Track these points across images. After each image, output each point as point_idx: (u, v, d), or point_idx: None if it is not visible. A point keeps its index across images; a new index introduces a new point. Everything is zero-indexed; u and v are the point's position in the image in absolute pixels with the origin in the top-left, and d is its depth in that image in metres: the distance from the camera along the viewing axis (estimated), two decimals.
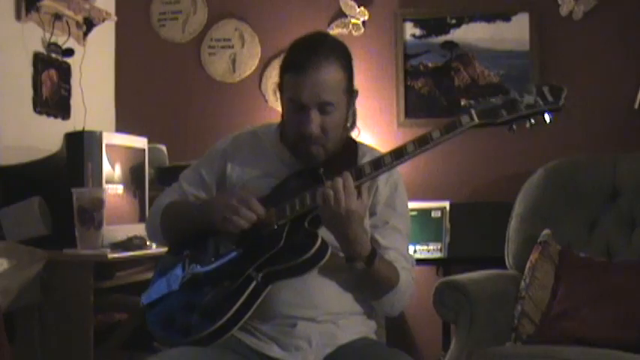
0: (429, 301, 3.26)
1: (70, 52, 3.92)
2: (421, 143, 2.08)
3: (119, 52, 4.52)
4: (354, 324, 2.21)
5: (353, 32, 4.26)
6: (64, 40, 3.90)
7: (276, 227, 2.09)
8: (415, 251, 3.93)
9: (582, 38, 4.07)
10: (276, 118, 2.33)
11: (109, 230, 3.12)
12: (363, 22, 4.26)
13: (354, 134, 2.32)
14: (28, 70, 3.74)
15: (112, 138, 3.35)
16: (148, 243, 3.17)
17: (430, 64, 4.23)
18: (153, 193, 3.49)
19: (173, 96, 4.49)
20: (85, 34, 4.07)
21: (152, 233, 2.38)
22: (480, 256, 3.85)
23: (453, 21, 4.20)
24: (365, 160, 2.15)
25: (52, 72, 3.87)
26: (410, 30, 4.25)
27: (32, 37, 3.76)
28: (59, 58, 3.90)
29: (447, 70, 4.20)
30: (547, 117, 2.08)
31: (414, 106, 4.24)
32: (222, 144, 2.33)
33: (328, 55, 2.12)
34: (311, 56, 2.11)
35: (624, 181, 3.53)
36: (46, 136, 3.71)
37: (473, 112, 2.07)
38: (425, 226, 3.98)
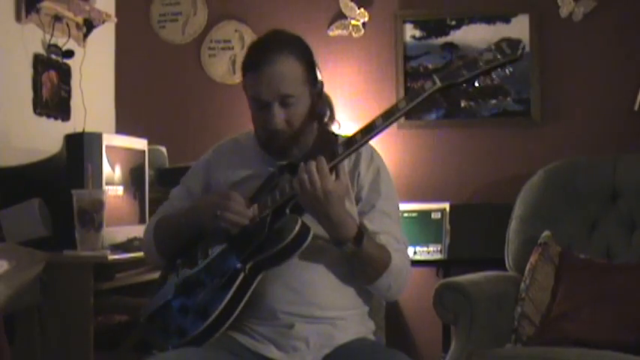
0: (428, 303, 3.26)
1: (70, 54, 3.92)
2: (389, 115, 2.11)
3: (119, 53, 4.52)
4: (351, 324, 2.21)
5: (353, 34, 4.26)
6: (64, 42, 3.90)
7: (259, 220, 2.11)
8: (415, 252, 3.93)
9: (582, 39, 4.08)
10: None
11: (109, 232, 3.12)
12: (363, 24, 4.26)
13: (334, 128, 2.34)
14: (28, 72, 3.74)
15: (112, 139, 3.35)
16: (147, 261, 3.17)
17: (430, 66, 4.23)
18: (153, 195, 3.49)
19: (173, 97, 4.49)
20: (85, 36, 4.06)
21: (148, 252, 2.41)
22: (480, 258, 3.85)
23: (453, 22, 4.20)
24: None
25: (52, 73, 3.87)
26: (410, 31, 4.25)
27: (32, 38, 3.76)
28: (59, 59, 3.90)
29: None
30: (507, 70, 2.10)
31: (414, 108, 4.22)
32: (205, 156, 2.40)
33: (282, 49, 2.16)
34: (264, 53, 2.16)
35: (624, 183, 3.53)
36: (46, 138, 3.71)
37: (435, 77, 2.08)
38: (425, 227, 3.98)
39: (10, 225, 3.13)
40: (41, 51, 3.81)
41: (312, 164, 2.03)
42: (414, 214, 3.99)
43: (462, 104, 4.16)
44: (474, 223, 3.98)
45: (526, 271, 3.34)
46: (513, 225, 3.63)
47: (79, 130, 3.71)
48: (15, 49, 3.67)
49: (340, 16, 4.28)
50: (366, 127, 2.10)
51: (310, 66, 2.23)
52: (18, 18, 3.66)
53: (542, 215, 3.56)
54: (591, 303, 3.12)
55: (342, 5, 4.26)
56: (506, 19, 4.14)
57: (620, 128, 3.99)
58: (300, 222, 2.06)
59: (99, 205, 3.04)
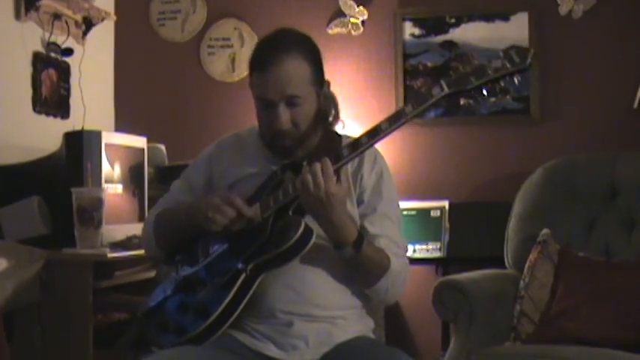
0: (428, 301, 3.26)
1: (69, 52, 3.92)
2: (395, 120, 2.08)
3: (118, 51, 4.52)
4: (351, 322, 2.21)
5: (352, 32, 4.26)
6: (63, 40, 3.90)
7: (261, 220, 2.11)
8: (414, 251, 3.93)
9: (581, 37, 4.08)
10: None
11: (108, 230, 3.12)
12: (362, 22, 4.26)
13: (338, 127, 2.33)
14: (27, 70, 3.74)
15: (112, 137, 3.35)
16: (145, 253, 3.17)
17: (429, 64, 4.23)
18: (152, 193, 3.49)
19: (172, 95, 4.49)
20: (85, 34, 4.06)
21: (147, 244, 2.41)
22: (479, 256, 3.85)
23: (452, 20, 4.20)
24: None
25: (52, 71, 3.87)
26: (409, 29, 4.25)
27: (31, 36, 3.75)
28: (58, 57, 3.90)
29: (446, 70, 4.20)
30: (515, 80, 2.08)
31: (407, 100, 4.23)
32: (207, 150, 2.38)
33: (289, 49, 2.14)
34: (272, 52, 2.14)
35: (623, 181, 3.53)
36: (46, 136, 3.71)
37: (443, 82, 2.07)
38: (424, 225, 3.99)
39: (9, 223, 3.13)
40: (40, 49, 3.80)
41: (317, 166, 2.02)
42: (413, 212, 3.99)
43: (461, 102, 4.16)
44: (473, 221, 3.98)
45: (525, 269, 3.34)
46: (512, 223, 3.63)
47: (79, 128, 3.70)
48: (14, 47, 3.67)
49: (339, 14, 4.28)
50: (372, 130, 2.08)
51: (318, 66, 2.21)
52: (17, 16, 3.66)
53: (541, 213, 3.56)
54: (590, 301, 3.12)
55: (341, 3, 4.26)
56: (506, 17, 4.15)
57: (619, 126, 3.99)
58: (303, 224, 2.06)
59: (98, 203, 3.04)
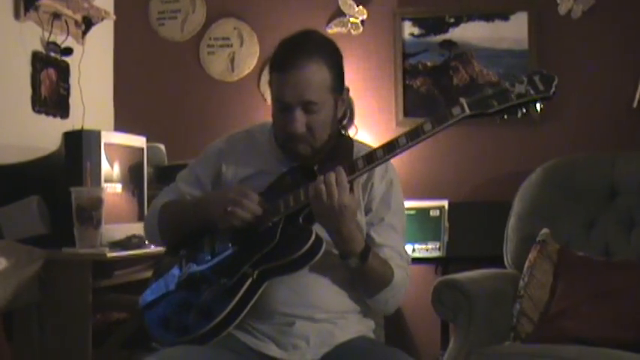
0: (427, 300, 3.26)
1: (68, 51, 3.92)
2: (413, 136, 2.07)
3: (118, 51, 4.52)
4: (351, 323, 2.21)
5: (352, 31, 4.27)
6: (62, 39, 3.90)
7: (270, 224, 2.09)
8: (414, 250, 3.93)
9: (581, 37, 4.08)
10: None
11: (107, 229, 3.12)
12: (362, 21, 4.26)
13: (351, 132, 2.32)
14: (26, 69, 3.74)
15: (111, 137, 3.34)
16: (146, 242, 3.16)
17: (429, 63, 4.23)
18: (151, 192, 3.49)
19: (172, 95, 4.49)
20: (84, 33, 4.06)
21: (150, 233, 2.38)
22: (479, 255, 3.85)
23: (452, 20, 4.20)
24: None
25: (51, 71, 3.87)
26: (408, 29, 4.25)
27: (31, 36, 3.75)
28: (58, 57, 3.90)
29: (446, 69, 4.20)
30: (538, 106, 2.06)
31: (412, 105, 4.24)
32: (218, 143, 2.34)
33: (312, 54, 2.11)
34: (294, 55, 2.11)
35: (623, 181, 3.53)
36: (45, 135, 3.71)
37: (464, 102, 2.05)
38: (423, 225, 3.99)
39: (8, 222, 3.13)
40: (40, 48, 3.80)
41: (332, 176, 2.00)
42: (412, 212, 3.98)
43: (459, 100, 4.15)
44: (473, 220, 3.98)
45: (525, 269, 3.34)
46: (512, 222, 3.63)
47: (78, 127, 3.70)
48: (14, 47, 3.67)
49: (339, 13, 4.28)
50: (389, 144, 2.07)
51: (339, 73, 2.19)
52: (17, 15, 3.66)
53: (540, 213, 3.56)
54: (590, 300, 3.12)
55: (340, 3, 4.26)
56: (505, 17, 4.15)
57: (618, 126, 3.99)
58: (314, 235, 2.04)
59: (97, 202, 3.04)
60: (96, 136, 3.20)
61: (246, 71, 4.39)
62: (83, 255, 3.00)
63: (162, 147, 4.00)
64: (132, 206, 3.46)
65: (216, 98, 4.42)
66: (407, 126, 4.12)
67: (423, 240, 3.97)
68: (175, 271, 2.21)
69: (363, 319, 2.25)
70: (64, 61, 3.96)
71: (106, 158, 3.23)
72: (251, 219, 2.08)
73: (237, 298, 2.06)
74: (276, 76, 2.15)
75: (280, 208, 2.09)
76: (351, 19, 4.26)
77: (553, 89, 2.04)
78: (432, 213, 4.01)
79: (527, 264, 3.34)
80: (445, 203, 4.03)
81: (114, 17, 4.29)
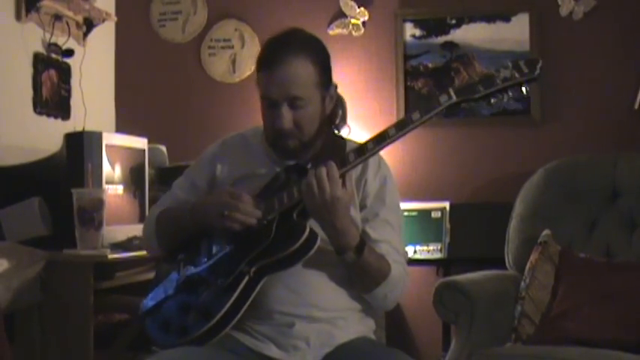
0: (429, 302, 3.26)
1: (70, 53, 3.92)
2: (402, 126, 2.08)
3: (119, 52, 4.52)
4: (351, 323, 2.21)
5: (353, 32, 4.27)
6: (64, 41, 3.90)
7: (265, 222, 2.10)
8: (415, 251, 3.93)
9: (582, 38, 4.08)
10: None
11: (109, 231, 3.12)
12: (363, 23, 4.26)
13: (344, 132, 2.33)
14: (28, 71, 3.74)
15: (112, 138, 3.34)
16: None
17: (430, 65, 4.23)
18: (153, 194, 3.49)
19: (173, 96, 4.49)
20: (85, 35, 4.07)
21: (148, 242, 2.39)
22: (480, 257, 3.85)
23: (453, 21, 4.20)
24: None
25: (52, 72, 3.87)
26: (410, 30, 4.25)
27: (32, 37, 3.76)
28: (59, 58, 3.90)
29: (447, 71, 4.20)
30: (524, 89, 2.08)
31: (414, 107, 4.23)
32: (211, 149, 2.37)
33: (296, 51, 2.14)
34: (278, 52, 2.14)
35: (624, 182, 3.53)
36: (46, 137, 3.71)
37: (451, 90, 2.07)
38: (425, 226, 3.98)
39: (10, 224, 3.13)
40: (41, 50, 3.81)
41: (323, 170, 2.02)
42: (414, 213, 3.99)
43: (462, 104, 4.15)
44: (474, 222, 3.98)
45: (526, 270, 3.34)
46: (513, 224, 3.63)
47: (79, 129, 3.71)
48: (15, 48, 3.67)
49: (340, 14, 4.28)
50: (378, 136, 2.08)
51: (324, 69, 2.20)
52: (18, 17, 3.67)
53: (542, 214, 3.56)
54: (591, 302, 3.12)
55: (342, 4, 4.26)
56: (507, 18, 4.14)
57: (620, 127, 3.99)
58: (308, 229, 2.05)
59: (99, 204, 3.04)
60: (97, 137, 3.20)
61: (248, 73, 4.39)
62: (84, 256, 3.00)
63: (163, 148, 4.00)
64: (133, 208, 3.46)
65: (217, 99, 4.43)
66: None
67: (425, 241, 3.97)
68: (174, 275, 2.23)
69: (364, 319, 2.25)
70: (66, 63, 3.96)
71: (108, 159, 3.23)
72: (248, 221, 2.09)
73: (234, 297, 2.07)
74: (262, 74, 2.17)
75: (275, 205, 2.10)
76: (353, 21, 4.26)
77: (538, 71, 2.06)
78: (434, 214, 4.01)
79: (528, 265, 3.34)
80: (447, 204, 4.03)
81: (115, 18, 4.30)
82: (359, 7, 4.25)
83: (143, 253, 3.15)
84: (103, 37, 4.34)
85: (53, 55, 3.86)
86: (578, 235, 3.49)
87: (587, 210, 3.54)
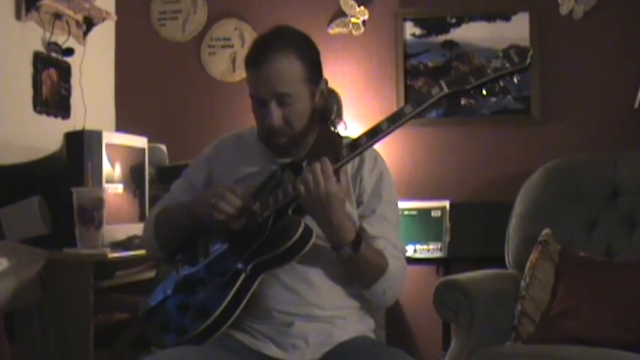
0: (429, 301, 3.26)
1: (70, 52, 3.92)
2: (394, 119, 2.07)
3: (119, 51, 4.52)
4: (351, 322, 2.21)
5: (353, 31, 4.26)
6: (64, 40, 3.90)
7: (261, 220, 2.10)
8: (415, 251, 3.93)
9: (582, 37, 4.07)
10: None
11: (109, 230, 3.12)
12: (363, 22, 4.26)
13: (340, 128, 2.33)
14: (28, 70, 3.74)
15: (112, 137, 3.35)
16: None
17: (430, 64, 4.23)
18: (153, 193, 3.49)
19: (173, 95, 4.49)
20: (85, 34, 4.06)
21: (147, 243, 2.40)
22: (480, 256, 3.85)
23: (453, 20, 4.20)
24: None
25: (52, 71, 3.87)
26: (410, 29, 4.25)
27: (32, 36, 3.75)
28: (59, 57, 3.90)
29: (447, 70, 4.20)
30: (515, 79, 2.09)
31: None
32: (208, 150, 2.38)
33: (282, 48, 2.14)
34: (263, 50, 2.14)
35: (624, 181, 3.53)
36: (46, 136, 3.71)
37: (442, 82, 2.07)
38: (425, 225, 3.98)
39: (10, 223, 3.13)
40: (41, 49, 3.81)
41: (317, 165, 2.02)
42: (414, 212, 3.99)
43: (462, 102, 4.16)
44: (474, 221, 3.98)
45: (526, 269, 3.34)
46: (513, 223, 3.63)
47: (79, 128, 3.71)
48: (15, 47, 3.67)
49: (340, 14, 4.28)
50: (371, 130, 2.07)
51: (312, 65, 2.20)
52: (18, 16, 3.66)
53: (542, 213, 3.56)
54: (591, 301, 3.12)
55: (342, 3, 4.26)
56: (507, 17, 4.15)
57: (620, 126, 3.99)
58: (303, 224, 2.06)
59: (99, 202, 3.04)
60: (97, 136, 3.20)
61: None
62: (84, 255, 3.00)
63: (163, 147, 4.00)
64: (133, 207, 3.46)
65: (217, 99, 4.42)
66: (408, 126, 4.14)
67: (425, 240, 3.97)
68: (172, 276, 2.24)
69: (363, 318, 2.25)
70: (66, 62, 3.96)
71: (108, 158, 3.23)
72: (233, 211, 2.09)
73: (231, 295, 2.08)
74: (250, 73, 2.18)
75: (270, 202, 2.11)
76: (353, 20, 4.26)
77: (528, 60, 2.06)
78: (434, 213, 4.01)
79: (528, 264, 3.34)
80: (447, 204, 4.03)
81: (115, 18, 4.29)
82: (359, 6, 4.25)
83: (143, 252, 3.15)
84: (103, 36, 4.34)
85: (53, 54, 3.86)
86: (578, 235, 3.49)
87: (587, 209, 3.54)
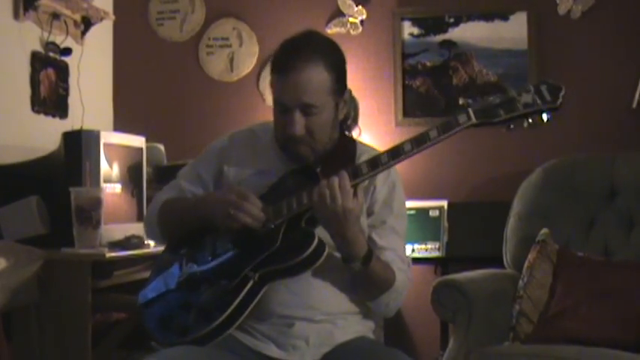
0: (427, 301, 3.26)
1: (67, 51, 3.92)
2: (418, 143, 2.06)
3: (117, 51, 4.52)
4: (351, 323, 2.21)
5: (351, 31, 4.26)
6: (62, 39, 3.90)
7: (272, 227, 2.09)
8: (413, 250, 3.93)
9: (580, 37, 4.08)
10: None
11: (106, 229, 3.11)
12: (361, 21, 4.26)
13: (354, 133, 2.32)
14: (25, 69, 3.74)
15: (110, 137, 3.34)
16: (146, 242, 3.17)
17: (428, 63, 4.23)
18: (151, 192, 3.48)
19: (171, 95, 4.49)
20: (83, 33, 4.06)
21: (150, 230, 2.38)
22: (478, 256, 3.85)
23: (451, 20, 4.20)
24: (362, 159, 2.15)
25: (50, 71, 3.87)
26: (408, 29, 4.25)
27: (30, 36, 3.75)
28: (57, 57, 3.90)
29: (445, 69, 4.20)
30: (545, 116, 2.06)
31: (412, 106, 4.24)
32: (220, 142, 2.34)
33: (311, 56, 2.10)
34: (293, 57, 2.10)
35: (622, 181, 3.53)
36: (44, 135, 3.71)
37: (470, 111, 2.05)
38: (423, 225, 3.98)
39: (7, 223, 3.13)
40: (39, 49, 3.80)
41: (335, 180, 2.00)
42: (412, 212, 3.98)
43: (460, 102, 4.16)
44: (472, 220, 3.98)
45: (524, 269, 3.33)
46: (511, 223, 3.63)
47: (77, 127, 3.70)
48: (13, 47, 3.66)
49: (338, 13, 4.28)
50: (394, 149, 2.06)
51: (339, 76, 2.18)
52: (16, 15, 3.66)
53: (540, 213, 3.56)
54: (589, 301, 3.12)
55: (340, 3, 4.26)
56: (505, 17, 4.15)
57: (618, 126, 3.99)
58: (317, 239, 2.04)
59: (97, 202, 3.03)
60: (95, 136, 3.20)
61: (245, 71, 4.39)
62: (82, 255, 3.00)
63: (161, 147, 4.00)
64: (131, 206, 3.46)
65: (215, 98, 4.42)
66: (406, 126, 4.17)
67: (423, 240, 3.97)
68: (175, 269, 2.20)
69: (363, 320, 2.25)
70: (63, 61, 3.95)
71: (105, 158, 3.23)
72: (252, 224, 2.08)
73: (237, 301, 2.06)
74: (276, 78, 2.14)
75: (283, 210, 2.08)
76: (351, 19, 4.26)
77: (560, 100, 2.03)
78: (432, 213, 4.01)
79: (526, 264, 3.34)
80: (444, 203, 4.03)
81: (113, 17, 4.29)
82: (357, 6, 4.25)
83: (141, 251, 3.16)
84: (101, 35, 4.33)
85: (51, 54, 3.86)
86: (576, 234, 3.49)
87: (585, 209, 3.54)
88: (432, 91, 4.23)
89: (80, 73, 4.01)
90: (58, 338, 2.97)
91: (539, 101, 2.04)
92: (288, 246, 2.06)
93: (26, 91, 3.74)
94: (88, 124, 3.80)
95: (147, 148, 3.60)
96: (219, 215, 2.10)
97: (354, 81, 4.21)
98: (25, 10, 3.65)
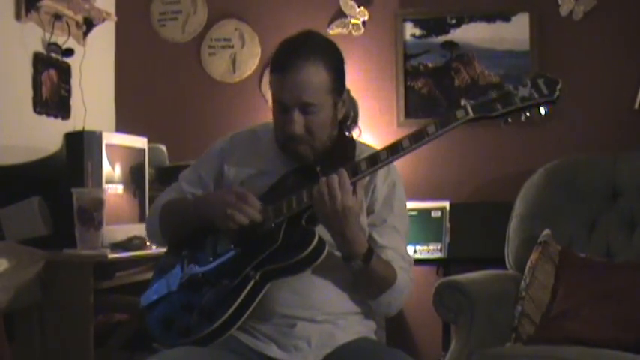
0: (429, 302, 3.26)
1: (70, 52, 3.92)
2: (417, 139, 2.06)
3: (119, 52, 4.52)
4: (353, 324, 2.20)
5: (353, 32, 4.26)
6: (64, 40, 3.90)
7: (273, 226, 2.09)
8: (415, 251, 3.93)
9: (582, 38, 4.07)
10: None
11: (108, 230, 3.12)
12: (363, 22, 4.26)
13: (355, 134, 2.32)
14: (28, 70, 3.74)
15: (112, 138, 3.35)
16: (147, 243, 3.17)
17: (430, 64, 4.23)
18: (153, 193, 3.49)
19: (173, 96, 4.49)
20: (85, 34, 4.07)
21: (151, 232, 2.38)
22: (480, 256, 3.85)
23: (453, 21, 4.20)
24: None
25: (52, 72, 3.87)
26: (410, 30, 4.25)
27: (32, 37, 3.76)
28: (59, 58, 3.90)
29: (447, 70, 4.20)
30: (542, 109, 2.07)
31: (414, 107, 4.24)
32: (221, 143, 2.34)
33: (310, 56, 2.11)
34: (292, 57, 2.11)
35: (624, 181, 3.53)
36: (46, 136, 3.71)
37: (468, 106, 2.06)
38: (425, 226, 3.98)
39: (10, 223, 3.13)
40: (41, 49, 3.81)
41: (335, 178, 2.00)
42: (414, 213, 3.98)
43: (462, 102, 4.15)
44: (474, 221, 3.98)
45: (526, 270, 3.33)
46: (513, 223, 3.63)
47: (79, 128, 3.71)
48: (15, 48, 3.67)
49: (340, 14, 4.28)
50: (392, 146, 2.06)
51: (338, 75, 2.18)
52: (18, 16, 3.67)
53: (542, 214, 3.56)
54: (591, 302, 3.12)
55: (342, 4, 4.26)
56: (507, 18, 4.14)
57: (620, 126, 3.99)
58: (317, 237, 2.04)
59: (99, 203, 3.04)
60: (97, 137, 3.20)
61: (248, 72, 4.39)
62: (84, 256, 3.00)
63: (163, 148, 4.00)
64: (133, 207, 3.46)
65: (217, 99, 4.43)
66: (408, 127, 4.16)
67: (425, 241, 3.97)
68: (177, 271, 2.21)
69: (364, 320, 2.25)
70: (66, 62, 3.96)
71: (108, 159, 3.23)
72: (248, 224, 2.08)
73: (239, 300, 2.06)
74: (275, 77, 2.15)
75: (283, 209, 2.09)
76: (353, 20, 4.26)
77: (557, 93, 2.04)
78: (434, 214, 4.01)
79: (528, 265, 3.34)
80: (447, 204, 4.02)
81: (115, 18, 4.30)
82: (359, 7, 4.25)
83: (143, 252, 3.16)
84: (103, 36, 4.34)
85: (53, 55, 3.86)
86: (579, 235, 3.49)
87: (587, 210, 3.54)
88: (433, 92, 4.22)
89: (82, 74, 4.02)
90: (60, 339, 2.97)
91: (536, 95, 2.06)
92: (289, 244, 2.06)
93: (28, 92, 3.75)
94: (90, 125, 3.80)
95: (149, 149, 3.60)
96: (217, 216, 2.11)
97: (356, 82, 4.24)
98: (27, 11, 3.66)
